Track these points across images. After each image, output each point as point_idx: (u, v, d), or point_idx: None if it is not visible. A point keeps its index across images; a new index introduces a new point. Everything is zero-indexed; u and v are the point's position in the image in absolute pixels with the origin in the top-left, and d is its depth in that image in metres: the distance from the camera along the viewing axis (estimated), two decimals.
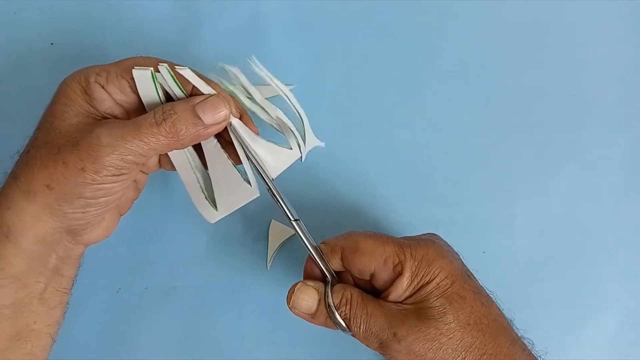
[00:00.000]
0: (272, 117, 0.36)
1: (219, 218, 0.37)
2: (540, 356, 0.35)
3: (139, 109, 0.34)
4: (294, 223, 0.36)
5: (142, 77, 0.33)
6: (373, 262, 0.34)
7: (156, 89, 0.33)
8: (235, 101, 0.35)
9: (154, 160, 0.37)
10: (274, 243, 0.43)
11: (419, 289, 0.33)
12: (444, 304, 0.33)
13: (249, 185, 0.36)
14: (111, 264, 0.43)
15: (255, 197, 0.36)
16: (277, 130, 0.37)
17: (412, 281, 0.34)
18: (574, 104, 0.45)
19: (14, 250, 0.32)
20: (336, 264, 0.36)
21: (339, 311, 0.34)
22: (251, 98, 0.36)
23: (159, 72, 0.33)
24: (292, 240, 0.43)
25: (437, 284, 0.33)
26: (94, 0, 0.45)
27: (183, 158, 0.36)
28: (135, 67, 0.33)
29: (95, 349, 0.43)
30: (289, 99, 0.36)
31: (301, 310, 0.35)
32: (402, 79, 0.45)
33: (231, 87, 0.36)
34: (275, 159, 0.36)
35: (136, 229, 0.43)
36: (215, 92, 0.34)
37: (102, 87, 0.33)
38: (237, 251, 0.44)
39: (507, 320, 0.35)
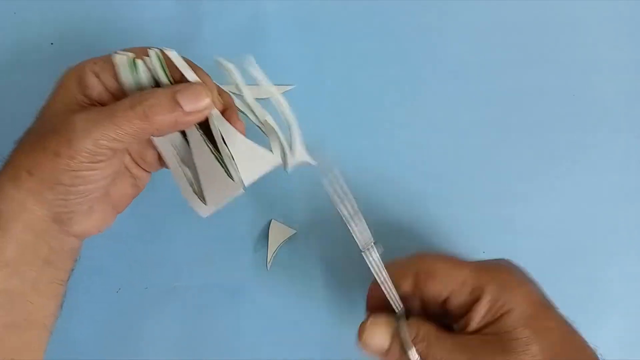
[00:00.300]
0: (259, 119, 0.35)
1: (210, 213, 0.36)
2: None
3: None
4: (367, 253, 0.34)
5: (122, 62, 0.32)
6: (450, 287, 0.32)
7: (133, 75, 0.33)
8: (222, 92, 0.34)
9: (153, 156, 0.36)
10: (274, 243, 0.43)
11: (499, 317, 0.31)
12: (529, 335, 0.31)
13: (231, 180, 0.34)
14: (111, 264, 0.43)
15: (239, 192, 0.34)
16: (263, 132, 0.35)
17: (491, 307, 0.31)
18: (574, 104, 0.45)
19: (4, 236, 0.31)
20: (407, 288, 0.34)
21: (416, 348, 0.32)
22: (241, 97, 0.34)
23: (148, 56, 0.32)
24: (292, 240, 0.43)
25: (521, 313, 0.31)
26: (94, 0, 0.45)
27: (169, 150, 0.35)
28: (116, 52, 0.32)
29: (95, 349, 0.43)
30: (282, 108, 0.34)
31: (373, 348, 0.33)
32: (402, 79, 0.45)
33: (224, 85, 0.35)
34: (252, 158, 0.34)
35: (137, 228, 0.43)
36: (200, 81, 0.33)
37: (96, 75, 0.33)
38: (237, 251, 0.44)
39: (591, 348, 0.33)
